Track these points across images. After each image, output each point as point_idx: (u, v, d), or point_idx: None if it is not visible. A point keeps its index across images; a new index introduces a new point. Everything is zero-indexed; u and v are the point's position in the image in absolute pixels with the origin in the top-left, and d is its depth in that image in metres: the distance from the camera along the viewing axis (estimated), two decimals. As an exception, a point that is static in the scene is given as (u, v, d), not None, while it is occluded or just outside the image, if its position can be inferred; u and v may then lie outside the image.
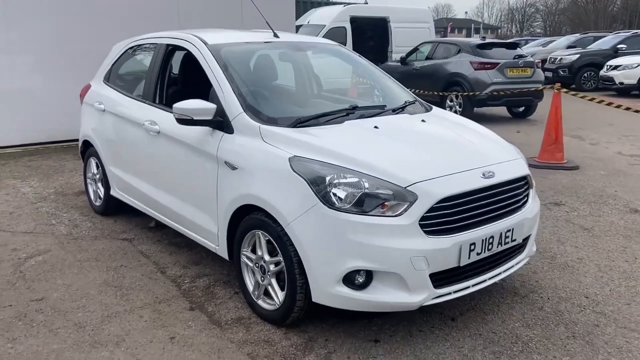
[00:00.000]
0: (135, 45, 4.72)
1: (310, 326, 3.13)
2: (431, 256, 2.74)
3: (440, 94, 10.60)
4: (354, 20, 14.34)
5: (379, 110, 3.69)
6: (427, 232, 2.76)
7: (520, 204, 3.20)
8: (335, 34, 13.99)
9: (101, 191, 4.98)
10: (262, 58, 4.02)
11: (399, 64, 12.29)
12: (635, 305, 3.40)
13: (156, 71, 4.19)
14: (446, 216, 2.82)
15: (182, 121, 3.36)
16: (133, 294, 3.53)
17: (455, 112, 10.64)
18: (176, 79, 4.46)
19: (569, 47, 19.71)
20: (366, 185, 2.79)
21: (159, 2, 9.00)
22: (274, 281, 3.11)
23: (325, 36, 13.79)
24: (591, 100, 7.39)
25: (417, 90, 10.88)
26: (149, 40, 4.49)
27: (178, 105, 3.34)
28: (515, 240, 3.12)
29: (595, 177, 6.48)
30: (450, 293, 2.90)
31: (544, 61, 18.61)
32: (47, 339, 3.01)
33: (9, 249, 4.27)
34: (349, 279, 2.78)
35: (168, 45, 4.19)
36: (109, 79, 4.91)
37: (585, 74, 17.00)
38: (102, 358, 2.83)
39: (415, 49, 12.26)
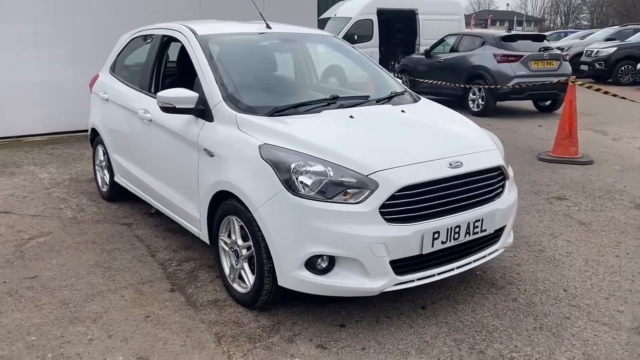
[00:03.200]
0: (138, 36, 4.88)
1: (282, 310, 3.22)
2: (391, 243, 2.79)
3: (463, 86, 10.48)
4: (381, 13, 14.28)
5: (362, 101, 3.73)
6: (389, 220, 2.81)
7: (492, 194, 3.20)
8: (362, 27, 13.99)
9: (107, 178, 5.17)
10: (250, 49, 4.10)
11: (424, 56, 12.19)
12: (613, 300, 3.36)
13: (152, 61, 4.33)
14: (409, 204, 2.85)
15: (166, 109, 3.48)
16: (119, 275, 3.69)
17: (478, 105, 10.52)
18: (172, 69, 4.59)
19: (608, 39, 19.10)
20: (331, 173, 2.85)
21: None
22: (246, 265, 3.20)
23: (351, 29, 13.82)
24: (605, 93, 7.20)
25: (439, 83, 10.86)
26: (149, 32, 4.64)
27: (161, 93, 3.47)
28: (485, 230, 3.12)
29: (607, 172, 6.34)
30: (413, 280, 2.94)
31: (580, 54, 18.16)
32: (31, 314, 3.18)
33: (15, 230, 4.50)
34: (311, 264, 2.85)
35: (164, 36, 4.32)
36: (114, 69, 5.09)
37: (623, 68, 16.48)
38: (77, 332, 2.99)
39: (440, 41, 12.14)
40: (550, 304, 3.31)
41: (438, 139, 3.27)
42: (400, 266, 2.88)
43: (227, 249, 3.34)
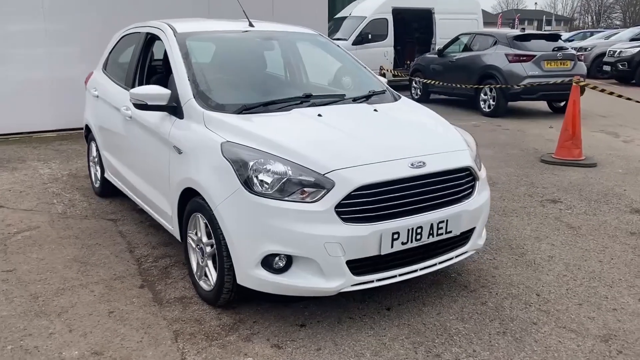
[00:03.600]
0: (127, 34, 4.92)
1: (246, 308, 3.21)
2: (347, 243, 2.76)
3: (473, 87, 10.32)
4: (397, 12, 14.17)
5: (336, 99, 3.70)
6: (345, 219, 2.78)
7: (459, 195, 3.14)
8: (377, 26, 13.90)
9: (99, 174, 5.23)
10: (230, 47, 4.11)
11: (436, 55, 12.06)
12: (586, 306, 3.27)
13: (136, 59, 4.37)
14: (366, 204, 2.82)
15: (138, 106, 3.50)
16: (94, 270, 3.73)
17: (489, 106, 10.34)
18: (160, 67, 4.62)
19: (632, 39, 18.63)
20: (290, 172, 2.83)
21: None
22: (210, 263, 3.21)
23: (365, 28, 13.75)
24: (610, 94, 7.03)
25: (449, 85, 10.71)
26: (136, 30, 4.68)
27: (134, 90, 3.50)
28: (450, 232, 3.07)
29: (609, 175, 6.17)
30: (372, 281, 2.91)
31: (603, 54, 17.75)
32: (0, 306, 3.24)
33: (5, 224, 4.58)
34: (268, 263, 2.84)
35: (147, 34, 4.36)
36: (106, 67, 5.14)
37: (647, 69, 16.04)
38: (40, 326, 3.03)
39: (453, 40, 11.98)
40: (519, 308, 3.24)
41: (404, 138, 3.22)
42: (359, 266, 2.85)
43: (194, 246, 3.35)
